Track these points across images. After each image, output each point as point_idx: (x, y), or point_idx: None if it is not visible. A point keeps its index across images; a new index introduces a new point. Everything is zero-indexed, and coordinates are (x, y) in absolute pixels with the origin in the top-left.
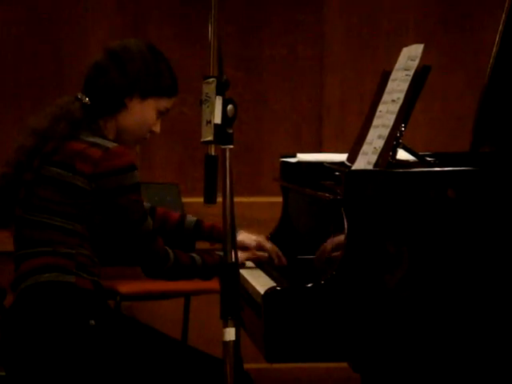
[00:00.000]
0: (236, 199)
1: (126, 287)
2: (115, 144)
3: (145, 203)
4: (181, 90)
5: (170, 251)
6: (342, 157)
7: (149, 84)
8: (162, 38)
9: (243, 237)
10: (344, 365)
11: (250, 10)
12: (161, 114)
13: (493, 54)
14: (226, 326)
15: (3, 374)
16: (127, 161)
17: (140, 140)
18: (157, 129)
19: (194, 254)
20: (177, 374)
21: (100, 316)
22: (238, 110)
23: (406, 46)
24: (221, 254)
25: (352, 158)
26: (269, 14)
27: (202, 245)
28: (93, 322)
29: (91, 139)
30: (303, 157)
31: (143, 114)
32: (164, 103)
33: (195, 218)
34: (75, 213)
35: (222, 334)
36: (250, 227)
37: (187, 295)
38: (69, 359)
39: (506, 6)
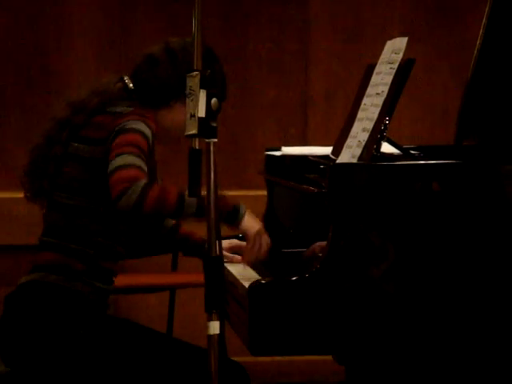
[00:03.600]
0: (220, 193)
1: None
2: (131, 109)
3: None
4: None
5: (141, 182)
6: (326, 150)
7: None
8: (147, 33)
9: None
10: (329, 357)
11: (234, 4)
12: None
13: (476, 47)
14: (210, 319)
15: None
16: (137, 117)
17: (174, 141)
18: None
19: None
20: (164, 370)
21: (92, 326)
22: (223, 104)
23: (391, 39)
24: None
25: (336, 152)
26: (254, 8)
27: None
28: (82, 331)
29: (114, 109)
30: (288, 150)
31: (185, 118)
32: None
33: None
34: (95, 189)
35: (206, 328)
36: None
37: (172, 289)
38: (54, 365)
39: None
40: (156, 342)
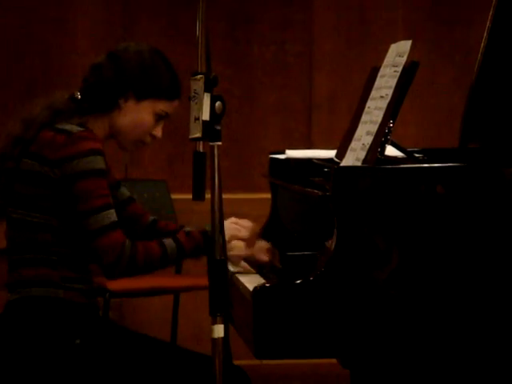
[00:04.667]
0: (225, 196)
1: (114, 284)
2: (82, 129)
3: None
4: None
5: (127, 246)
6: (330, 153)
7: (144, 85)
8: (150, 35)
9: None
10: (333, 361)
11: (239, 7)
12: (159, 117)
13: (481, 50)
14: (214, 322)
15: None
16: (90, 145)
17: (138, 143)
18: (158, 133)
19: (168, 243)
20: (166, 379)
21: (87, 333)
22: (227, 107)
23: (395, 42)
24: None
25: (341, 155)
26: (258, 11)
27: None
28: (78, 341)
29: (62, 126)
30: (292, 153)
31: (138, 116)
32: (162, 106)
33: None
34: (49, 206)
35: (210, 331)
36: None
37: (176, 292)
38: (52, 380)
39: (494, 2)
40: (156, 350)
